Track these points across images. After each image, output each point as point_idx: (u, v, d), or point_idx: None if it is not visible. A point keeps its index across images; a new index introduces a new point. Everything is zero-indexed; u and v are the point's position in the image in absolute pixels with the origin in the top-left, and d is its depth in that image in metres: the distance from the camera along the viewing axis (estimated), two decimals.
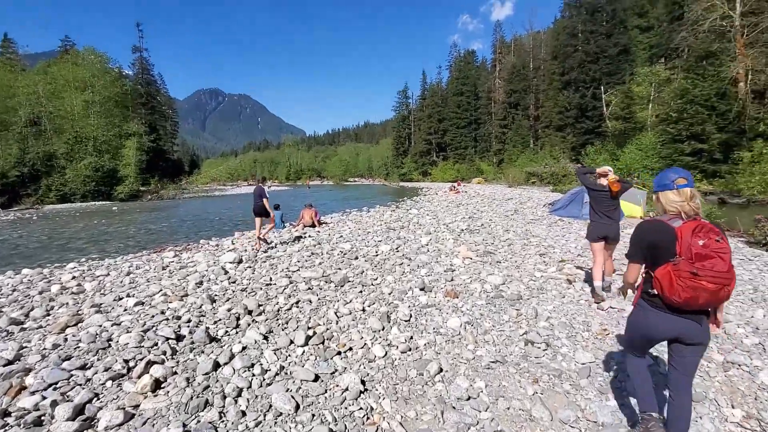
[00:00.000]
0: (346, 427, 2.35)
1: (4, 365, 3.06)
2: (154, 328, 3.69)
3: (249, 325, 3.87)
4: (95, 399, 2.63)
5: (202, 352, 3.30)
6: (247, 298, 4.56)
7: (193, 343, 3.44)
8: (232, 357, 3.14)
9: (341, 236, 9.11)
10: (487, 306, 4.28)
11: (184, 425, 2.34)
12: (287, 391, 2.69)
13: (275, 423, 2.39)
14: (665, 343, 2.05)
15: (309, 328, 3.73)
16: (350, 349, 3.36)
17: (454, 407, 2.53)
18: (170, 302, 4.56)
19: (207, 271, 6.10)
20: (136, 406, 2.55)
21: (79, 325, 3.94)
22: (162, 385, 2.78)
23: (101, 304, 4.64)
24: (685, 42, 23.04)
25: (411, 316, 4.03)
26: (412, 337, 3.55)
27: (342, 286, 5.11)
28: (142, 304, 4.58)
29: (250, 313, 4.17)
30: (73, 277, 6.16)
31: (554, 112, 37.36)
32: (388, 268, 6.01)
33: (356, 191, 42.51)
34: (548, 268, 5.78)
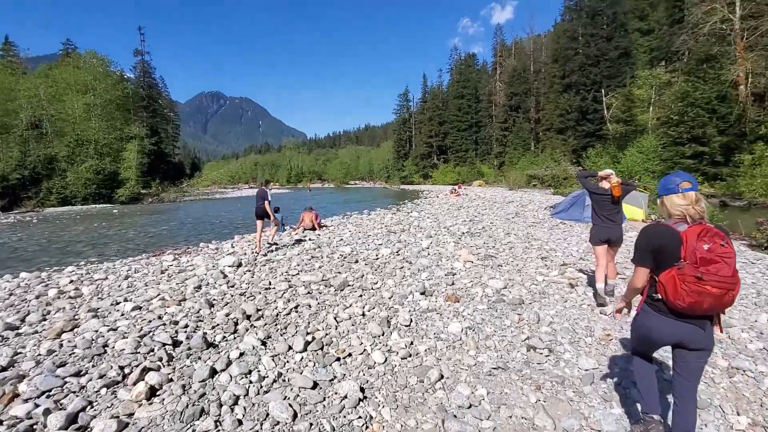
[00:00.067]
0: None
1: None
2: (150, 334, 3.64)
3: (247, 330, 3.82)
4: (89, 407, 2.58)
5: (199, 358, 3.25)
6: (245, 303, 4.51)
7: (190, 349, 3.39)
8: (229, 363, 3.09)
9: (341, 239, 9.07)
10: (489, 311, 4.23)
11: None
12: (285, 398, 2.64)
13: None
14: (670, 348, 2.03)
15: (308, 333, 3.68)
16: (350, 355, 3.31)
17: (455, 416, 2.48)
18: (168, 307, 4.51)
19: (206, 275, 6.05)
20: (131, 415, 2.50)
21: (75, 330, 3.90)
22: (157, 393, 2.73)
23: (98, 308, 4.60)
24: (686, 45, 23.09)
25: (411, 321, 3.98)
26: (412, 343, 3.50)
27: (342, 290, 5.05)
28: (140, 308, 4.53)
29: (248, 318, 4.12)
30: (71, 281, 6.12)
31: (555, 115, 37.31)
32: (388, 271, 5.96)
33: (357, 194, 42.48)
34: (550, 272, 5.73)
